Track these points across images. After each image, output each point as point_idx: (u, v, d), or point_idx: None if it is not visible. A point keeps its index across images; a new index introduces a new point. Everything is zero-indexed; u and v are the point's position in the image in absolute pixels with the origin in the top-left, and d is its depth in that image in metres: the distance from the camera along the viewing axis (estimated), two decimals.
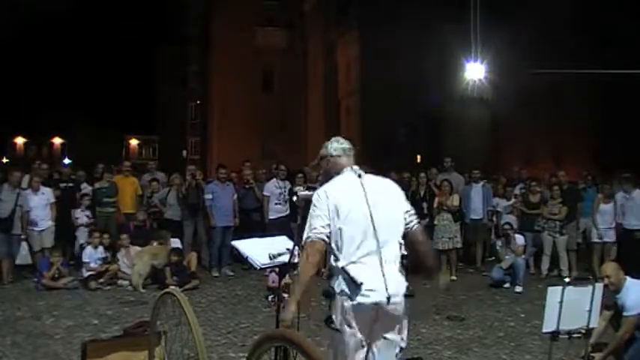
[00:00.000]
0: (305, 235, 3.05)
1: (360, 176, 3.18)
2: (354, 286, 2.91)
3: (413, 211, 3.27)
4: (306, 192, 3.48)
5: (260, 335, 2.90)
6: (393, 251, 3.07)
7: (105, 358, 4.34)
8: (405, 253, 3.17)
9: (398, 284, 3.01)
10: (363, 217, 3.03)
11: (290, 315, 2.94)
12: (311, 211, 3.10)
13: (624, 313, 4.85)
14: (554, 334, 4.43)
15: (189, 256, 9.08)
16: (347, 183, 3.15)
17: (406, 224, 3.18)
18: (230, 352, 5.52)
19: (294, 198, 3.66)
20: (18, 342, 5.80)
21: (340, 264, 2.98)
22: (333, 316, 2.98)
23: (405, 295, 3.03)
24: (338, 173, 3.24)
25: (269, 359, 3.08)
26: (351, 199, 3.07)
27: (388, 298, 2.92)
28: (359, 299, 2.91)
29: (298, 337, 2.68)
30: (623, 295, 4.90)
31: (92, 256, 8.81)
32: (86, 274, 8.63)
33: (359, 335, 2.95)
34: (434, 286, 8.64)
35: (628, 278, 4.98)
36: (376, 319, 2.96)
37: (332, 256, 3.04)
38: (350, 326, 2.93)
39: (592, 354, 4.85)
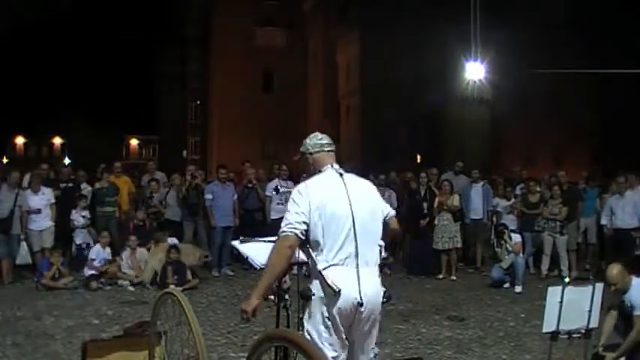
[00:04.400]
0: (280, 230, 2.94)
1: (341, 175, 3.10)
2: (332, 292, 2.84)
3: (387, 204, 3.31)
4: (286, 188, 3.45)
5: (260, 335, 2.90)
6: (372, 255, 3.01)
7: (105, 358, 4.34)
8: (385, 256, 3.15)
9: (374, 289, 2.96)
10: (346, 217, 2.95)
11: (251, 307, 2.90)
12: (289, 205, 3.00)
13: (635, 312, 4.74)
14: (554, 334, 4.42)
15: None
16: (328, 181, 3.07)
17: (384, 217, 3.17)
18: (230, 352, 5.51)
19: (273, 193, 3.63)
20: (18, 342, 5.78)
21: (319, 267, 2.90)
22: (305, 318, 2.96)
23: (382, 302, 2.99)
24: (319, 171, 3.14)
25: (269, 359, 3.08)
26: (334, 198, 2.98)
27: (360, 304, 2.86)
28: (338, 305, 2.86)
29: (298, 337, 2.68)
30: (630, 295, 4.81)
31: (99, 254, 8.80)
32: (88, 272, 8.61)
33: (335, 339, 2.91)
34: (434, 286, 8.70)
35: (633, 277, 4.93)
36: (352, 323, 2.92)
37: (310, 258, 2.96)
38: (327, 329, 2.89)
39: (603, 352, 4.80)
